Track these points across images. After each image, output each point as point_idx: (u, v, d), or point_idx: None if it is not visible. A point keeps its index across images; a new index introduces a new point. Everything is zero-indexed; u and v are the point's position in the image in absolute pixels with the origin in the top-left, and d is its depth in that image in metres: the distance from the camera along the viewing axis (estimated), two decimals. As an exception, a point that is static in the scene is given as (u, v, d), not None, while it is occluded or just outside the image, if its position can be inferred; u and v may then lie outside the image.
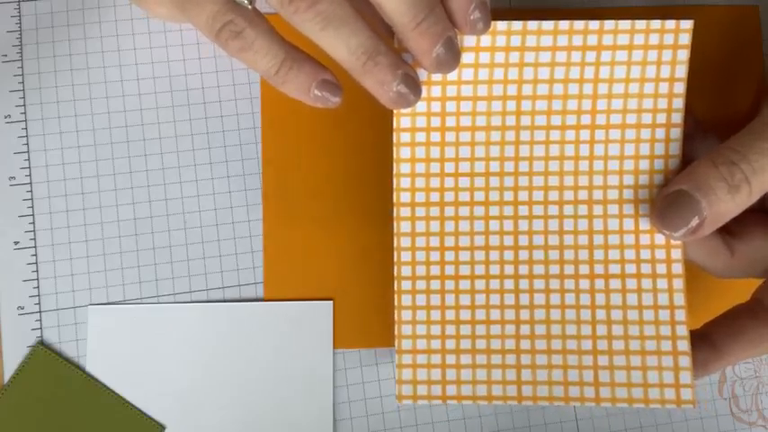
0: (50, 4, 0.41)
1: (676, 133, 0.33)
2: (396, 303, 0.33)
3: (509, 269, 0.33)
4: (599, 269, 0.33)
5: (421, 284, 0.33)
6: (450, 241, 0.33)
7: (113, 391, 0.38)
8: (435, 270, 0.33)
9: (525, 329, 0.33)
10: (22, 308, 0.38)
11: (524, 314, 0.33)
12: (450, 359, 0.33)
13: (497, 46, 0.32)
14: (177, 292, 0.39)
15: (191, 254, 0.39)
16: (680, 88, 0.33)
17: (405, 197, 0.33)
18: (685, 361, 0.32)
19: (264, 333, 0.39)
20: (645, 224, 0.33)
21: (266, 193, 0.40)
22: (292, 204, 0.40)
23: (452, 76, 0.32)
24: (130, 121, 0.40)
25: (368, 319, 0.39)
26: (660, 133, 0.33)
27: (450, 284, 0.33)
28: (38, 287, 0.38)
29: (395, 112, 0.33)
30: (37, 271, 0.39)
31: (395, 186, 0.33)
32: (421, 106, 0.33)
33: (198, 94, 0.40)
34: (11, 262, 0.39)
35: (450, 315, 0.33)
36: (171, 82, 0.40)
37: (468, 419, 0.39)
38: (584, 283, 0.33)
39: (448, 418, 0.39)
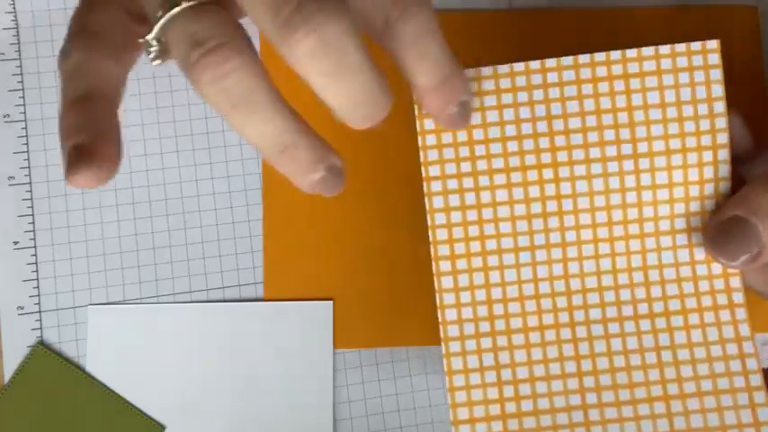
0: (47, 1, 0.40)
1: (724, 155, 0.31)
2: (445, 364, 0.31)
3: (564, 317, 0.31)
4: (658, 307, 0.31)
5: (468, 328, 0.31)
6: (495, 276, 0.31)
7: (113, 391, 0.38)
8: (483, 311, 0.31)
9: (589, 382, 0.31)
10: (22, 308, 0.38)
11: (586, 365, 0.31)
12: (513, 425, 0.31)
13: (518, 86, 0.31)
14: (177, 292, 0.39)
15: (191, 254, 0.39)
16: (720, 108, 0.31)
17: (441, 233, 0.32)
18: (761, 397, 0.30)
19: (264, 333, 0.39)
20: (700, 254, 0.31)
21: (266, 193, 0.40)
22: (292, 204, 0.40)
23: (477, 119, 0.31)
24: (130, 121, 0.40)
25: (368, 319, 0.39)
26: (707, 156, 0.31)
27: (502, 340, 0.31)
28: (38, 287, 0.38)
29: (419, 131, 0.32)
30: (37, 271, 0.39)
31: (431, 237, 0.32)
32: (447, 138, 0.32)
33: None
34: (11, 262, 0.38)
35: (506, 375, 0.31)
36: (171, 81, 0.40)
37: (468, 419, 0.39)
38: (645, 324, 0.31)
39: (448, 418, 0.39)
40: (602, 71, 0.31)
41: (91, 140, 0.23)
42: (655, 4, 0.42)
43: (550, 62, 0.31)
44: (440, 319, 0.31)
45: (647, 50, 0.31)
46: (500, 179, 0.32)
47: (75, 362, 0.38)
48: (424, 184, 0.32)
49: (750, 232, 0.29)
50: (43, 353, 0.38)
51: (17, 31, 0.40)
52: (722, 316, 0.31)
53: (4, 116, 0.39)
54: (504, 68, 0.32)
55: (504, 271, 0.32)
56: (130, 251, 0.39)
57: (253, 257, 0.39)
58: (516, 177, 0.32)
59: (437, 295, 0.31)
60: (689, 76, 0.31)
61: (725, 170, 0.31)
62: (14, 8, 0.40)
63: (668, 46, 0.31)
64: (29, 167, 0.39)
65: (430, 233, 0.31)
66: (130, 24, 0.25)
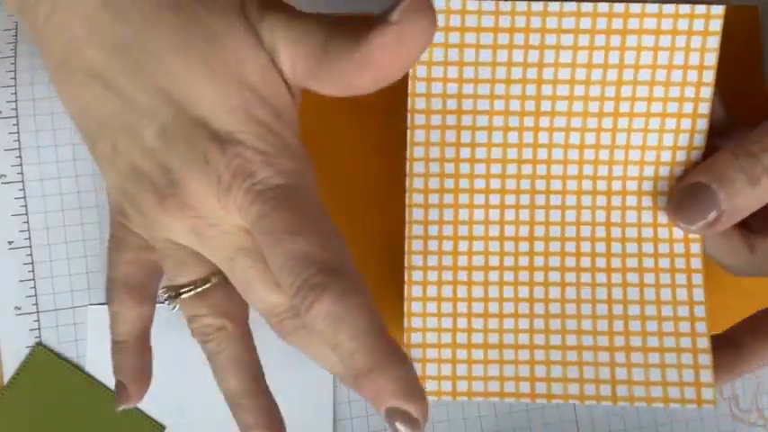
0: None
1: (703, 124, 0.32)
2: (405, 294, 0.32)
3: (524, 260, 0.32)
4: (616, 263, 0.32)
5: (432, 275, 0.32)
6: (463, 230, 0.32)
7: (113, 391, 0.38)
8: (448, 261, 0.32)
9: (539, 324, 0.32)
10: (20, 308, 0.38)
11: (539, 308, 0.32)
12: (462, 354, 0.32)
13: (517, 27, 0.31)
14: (176, 292, 0.39)
15: (189, 254, 0.39)
16: (709, 77, 0.31)
17: (418, 183, 0.32)
18: (705, 359, 0.31)
19: (264, 333, 0.38)
20: (664, 217, 0.32)
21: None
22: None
23: (470, 56, 0.31)
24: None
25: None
26: (686, 123, 0.32)
27: (462, 275, 0.32)
28: (35, 287, 0.38)
29: (410, 81, 0.32)
30: (33, 271, 0.38)
31: (408, 171, 0.32)
32: (437, 88, 0.32)
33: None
34: (5, 262, 0.38)
35: (462, 308, 0.32)
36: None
37: (467, 420, 0.39)
38: (601, 277, 0.32)
39: (448, 417, 0.39)
40: (602, 23, 0.31)
41: (131, 382, 0.32)
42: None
43: (553, 6, 0.31)
44: (405, 246, 0.33)
45: (652, 8, 0.31)
46: (482, 120, 0.32)
47: (75, 362, 0.38)
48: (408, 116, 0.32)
49: (710, 198, 0.30)
50: (43, 353, 0.38)
51: (16, 32, 0.39)
52: (678, 278, 0.32)
53: (-5, 113, 0.39)
54: (505, 5, 0.31)
55: (473, 210, 0.32)
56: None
57: (252, 257, 0.39)
58: (498, 121, 0.32)
59: (406, 227, 0.33)
60: (686, 40, 0.31)
61: (700, 139, 0.32)
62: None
63: (673, 6, 0.31)
64: (21, 165, 0.38)
65: (407, 164, 0.32)
66: (153, 272, 0.32)
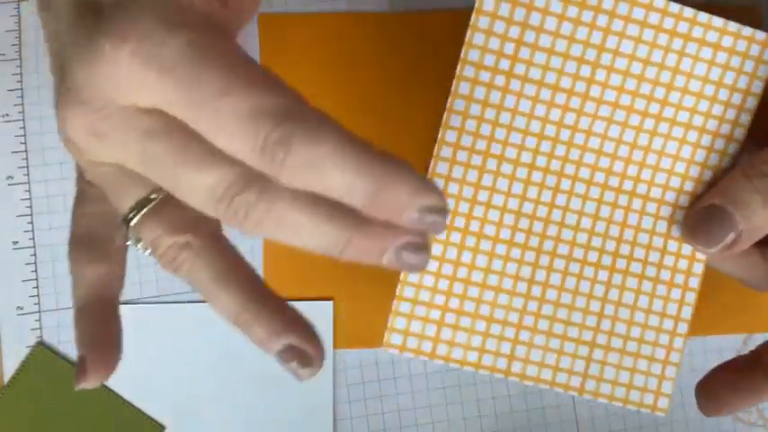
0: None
1: (734, 148, 0.32)
2: None
3: (534, 240, 0.32)
4: (621, 264, 0.33)
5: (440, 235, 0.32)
6: (483, 196, 0.32)
7: (113, 391, 0.38)
8: (459, 222, 0.32)
9: (533, 306, 0.32)
10: (22, 308, 0.38)
11: (536, 290, 0.32)
12: (450, 318, 0.32)
13: (569, 17, 0.32)
14: (177, 292, 0.39)
15: (190, 254, 0.39)
16: (751, 103, 0.32)
17: (450, 136, 0.32)
18: (672, 371, 0.33)
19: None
20: (677, 231, 0.33)
21: (266, 192, 0.40)
22: (292, 204, 0.40)
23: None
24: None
25: (368, 319, 0.39)
26: (719, 144, 0.32)
27: (470, 241, 0.32)
28: (37, 287, 0.38)
29: (462, 53, 0.32)
30: (36, 271, 0.38)
31: (444, 121, 0.32)
32: (489, 60, 0.32)
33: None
34: (9, 262, 0.38)
35: (461, 273, 0.32)
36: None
37: (467, 419, 0.39)
38: (603, 275, 0.33)
39: (448, 417, 0.39)
40: (654, 18, 0.32)
41: (88, 353, 0.28)
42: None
43: (607, 3, 0.32)
44: None
45: (702, 16, 0.32)
46: (530, 90, 0.32)
47: (75, 362, 0.38)
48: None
49: (727, 221, 0.30)
50: (43, 353, 0.38)
51: (19, 33, 0.40)
52: (673, 294, 0.33)
53: (3, 116, 0.39)
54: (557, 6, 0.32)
55: (497, 178, 0.32)
56: (130, 251, 0.39)
57: (253, 257, 0.39)
58: (545, 95, 0.32)
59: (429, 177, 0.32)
60: (727, 56, 0.32)
61: (727, 162, 0.32)
62: (18, 12, 0.40)
63: (721, 21, 0.32)
64: (27, 167, 0.39)
65: (445, 115, 0.32)
66: (114, 224, 0.29)
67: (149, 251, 0.26)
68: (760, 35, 0.32)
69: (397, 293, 0.32)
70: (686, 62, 0.32)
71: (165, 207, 0.26)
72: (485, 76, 0.32)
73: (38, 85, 0.39)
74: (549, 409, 0.39)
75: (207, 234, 0.26)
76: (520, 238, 0.32)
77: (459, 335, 0.32)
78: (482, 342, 0.32)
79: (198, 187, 0.23)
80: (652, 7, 0.32)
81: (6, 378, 0.37)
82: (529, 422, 0.39)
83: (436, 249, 0.32)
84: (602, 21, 0.32)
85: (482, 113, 0.32)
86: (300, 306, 0.39)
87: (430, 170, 0.32)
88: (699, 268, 0.33)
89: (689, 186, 0.32)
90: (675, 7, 0.32)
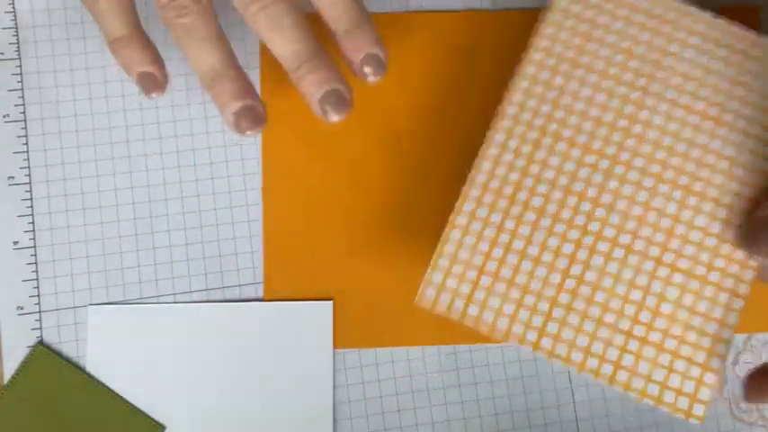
0: (46, 1, 0.40)
1: None
2: (456, 206, 0.32)
3: (580, 219, 0.32)
4: (668, 258, 0.32)
5: (488, 197, 0.32)
6: (535, 169, 0.33)
7: (113, 391, 0.38)
8: (508, 190, 0.32)
9: (570, 284, 0.32)
10: (22, 308, 0.38)
11: (576, 269, 0.32)
12: (485, 281, 0.32)
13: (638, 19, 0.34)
14: (177, 292, 0.39)
15: (191, 254, 0.39)
16: None
17: (512, 110, 0.33)
18: (711, 378, 0.31)
19: (264, 333, 0.39)
20: (731, 235, 0.32)
21: (266, 192, 0.40)
22: (292, 204, 0.40)
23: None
24: (130, 121, 0.40)
25: (368, 319, 0.39)
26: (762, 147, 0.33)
27: (516, 210, 0.32)
28: (37, 287, 0.38)
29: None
30: (36, 271, 0.39)
31: (505, 100, 0.34)
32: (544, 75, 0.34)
33: (197, 93, 0.40)
34: (10, 262, 0.38)
35: (503, 238, 0.32)
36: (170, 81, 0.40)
37: (468, 420, 0.39)
38: (648, 265, 0.32)
39: (448, 417, 0.39)
40: (728, 38, 0.34)
41: (147, 68, 0.32)
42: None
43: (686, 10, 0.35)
44: (475, 162, 0.33)
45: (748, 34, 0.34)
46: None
47: (75, 362, 0.38)
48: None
49: None
50: (43, 353, 0.38)
51: (16, 31, 0.40)
52: (720, 297, 0.32)
53: (4, 116, 0.39)
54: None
55: (549, 157, 0.33)
56: (130, 251, 0.39)
57: (252, 257, 0.39)
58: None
59: (485, 145, 0.33)
60: None
61: None
62: (14, 8, 0.40)
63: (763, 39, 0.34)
64: (28, 167, 0.39)
65: (506, 96, 0.34)
66: None
67: (155, 3, 0.30)
68: None
69: (438, 249, 0.32)
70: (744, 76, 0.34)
71: None
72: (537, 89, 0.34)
73: (38, 87, 0.39)
74: (549, 410, 0.39)
75: (208, 1, 0.31)
76: (567, 213, 0.32)
77: (492, 299, 0.32)
78: (514, 310, 0.31)
79: None
80: (729, 32, 0.35)
81: (6, 378, 0.37)
82: (529, 422, 0.39)
83: (481, 212, 0.32)
84: (686, 21, 0.35)
85: (533, 118, 0.34)
86: (300, 306, 0.39)
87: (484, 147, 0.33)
88: (749, 275, 0.32)
89: (746, 191, 0.32)
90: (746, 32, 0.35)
